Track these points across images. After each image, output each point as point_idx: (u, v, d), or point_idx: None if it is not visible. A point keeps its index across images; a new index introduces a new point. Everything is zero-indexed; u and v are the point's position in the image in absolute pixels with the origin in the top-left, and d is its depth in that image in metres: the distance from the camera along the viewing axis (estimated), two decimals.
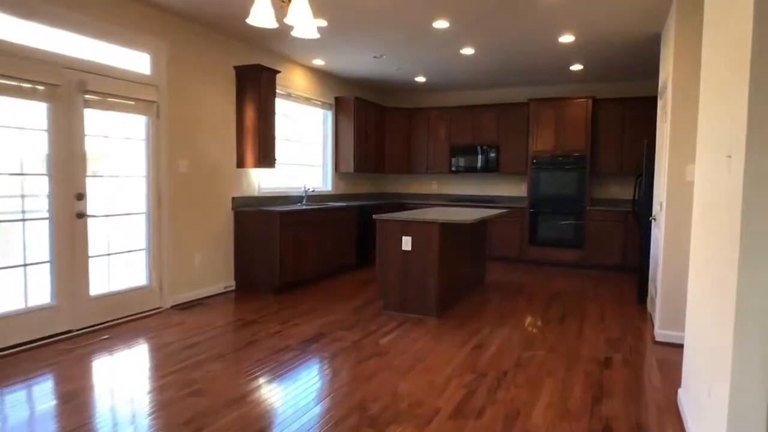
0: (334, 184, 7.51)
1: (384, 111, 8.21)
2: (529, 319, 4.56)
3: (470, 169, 7.90)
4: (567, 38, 5.17)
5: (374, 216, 4.81)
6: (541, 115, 7.23)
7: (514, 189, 8.04)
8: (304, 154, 6.92)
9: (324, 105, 7.26)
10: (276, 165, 5.76)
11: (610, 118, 7.04)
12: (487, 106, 7.78)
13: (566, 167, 7.08)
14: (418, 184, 8.77)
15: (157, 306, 4.74)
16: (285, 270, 5.43)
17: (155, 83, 4.59)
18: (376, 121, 7.97)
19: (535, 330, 4.24)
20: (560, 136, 7.12)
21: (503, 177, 8.06)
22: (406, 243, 4.68)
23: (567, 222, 7.10)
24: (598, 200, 7.46)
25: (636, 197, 5.79)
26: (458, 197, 8.39)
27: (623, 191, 7.34)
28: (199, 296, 5.18)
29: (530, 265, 7.39)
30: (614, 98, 7.03)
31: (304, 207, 5.90)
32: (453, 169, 8.04)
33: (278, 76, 6.06)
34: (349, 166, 7.40)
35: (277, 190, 6.29)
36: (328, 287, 5.77)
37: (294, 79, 6.50)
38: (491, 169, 7.73)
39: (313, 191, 6.84)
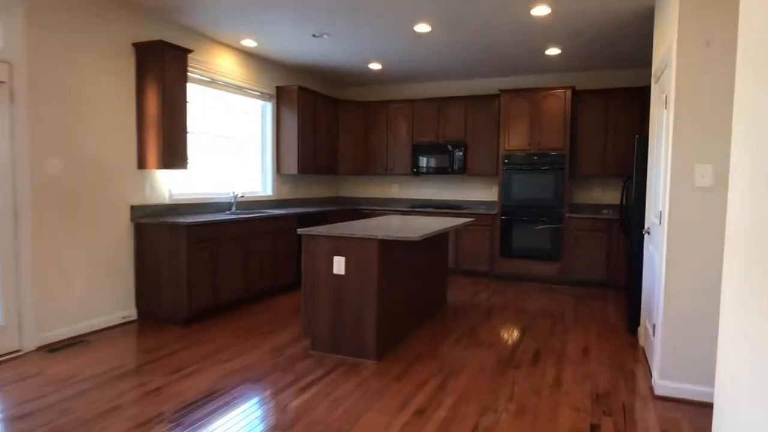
0: (276, 188, 6.46)
1: (336, 104, 7.18)
2: (493, 360, 3.58)
3: (435, 171, 6.93)
4: (541, 9, 4.22)
5: (299, 231, 3.79)
6: (514, 108, 6.30)
7: (485, 193, 7.10)
8: (237, 152, 5.86)
9: (263, 95, 6.21)
10: (188, 166, 4.69)
11: (593, 112, 6.15)
12: (453, 98, 6.82)
13: (542, 168, 6.16)
14: (377, 187, 7.77)
15: (15, 349, 3.63)
16: (196, 296, 4.37)
17: (6, 59, 3.49)
18: (327, 115, 6.95)
19: (500, 378, 3.26)
20: (535, 132, 6.19)
21: (472, 180, 7.12)
22: (339, 265, 3.66)
23: (543, 231, 6.18)
24: (579, 206, 6.56)
25: (624, 203, 4.88)
26: (422, 203, 7.41)
27: (607, 195, 6.45)
28: (84, 331, 4.09)
29: (502, 280, 6.45)
30: (597, 89, 6.13)
31: (227, 217, 4.84)
32: (415, 170, 7.06)
33: (198, 58, 5.01)
34: (292, 167, 6.36)
35: (197, 197, 5.21)
36: (253, 315, 4.72)
37: (220, 63, 5.44)
38: (458, 170, 6.77)
39: (242, 197, 5.77)
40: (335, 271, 3.68)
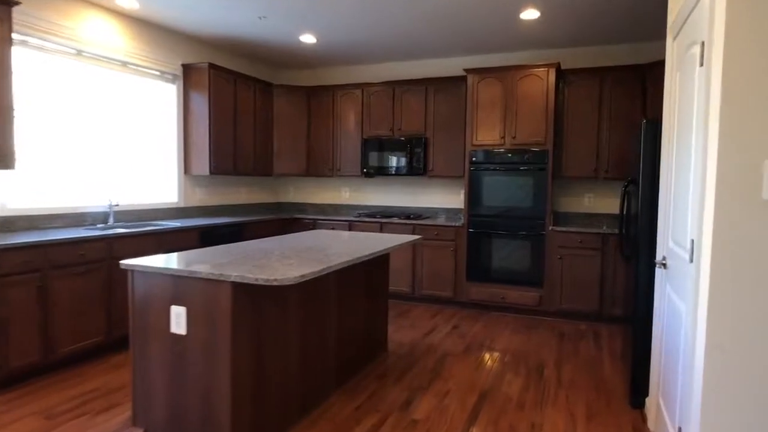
0: (183, 193, 5.10)
1: (269, 89, 5.84)
2: None
3: (390, 172, 5.60)
4: None
5: (122, 263, 2.44)
6: (484, 92, 4.98)
7: (449, 199, 5.77)
8: (125, 149, 4.50)
9: (163, 76, 4.85)
10: (15, 165, 3.33)
11: (583, 97, 4.84)
12: (411, 82, 5.49)
13: (519, 168, 4.84)
14: (324, 191, 6.43)
15: None
16: (9, 352, 3.01)
17: None
18: (257, 102, 5.61)
19: None
20: (510, 123, 4.88)
21: (434, 183, 5.79)
22: (178, 319, 2.33)
23: (520, 248, 4.86)
24: (565, 216, 5.25)
25: (624, 213, 3.56)
26: (375, 211, 6.08)
27: (601, 203, 5.14)
28: None
29: (469, 309, 5.12)
30: (588, 68, 4.82)
31: (73, 235, 3.48)
32: (366, 171, 5.72)
33: (49, 19, 3.66)
34: (203, 166, 5.01)
35: (47, 208, 3.85)
36: (84, 382, 3.35)
37: (90, 30, 4.09)
38: (418, 171, 5.45)
39: (117, 206, 4.39)
40: (174, 328, 2.34)
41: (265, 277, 2.10)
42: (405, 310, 5.07)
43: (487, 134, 4.96)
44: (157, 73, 4.78)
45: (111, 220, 4.21)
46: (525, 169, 4.81)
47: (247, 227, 5.08)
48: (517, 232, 4.86)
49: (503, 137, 4.91)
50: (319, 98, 5.98)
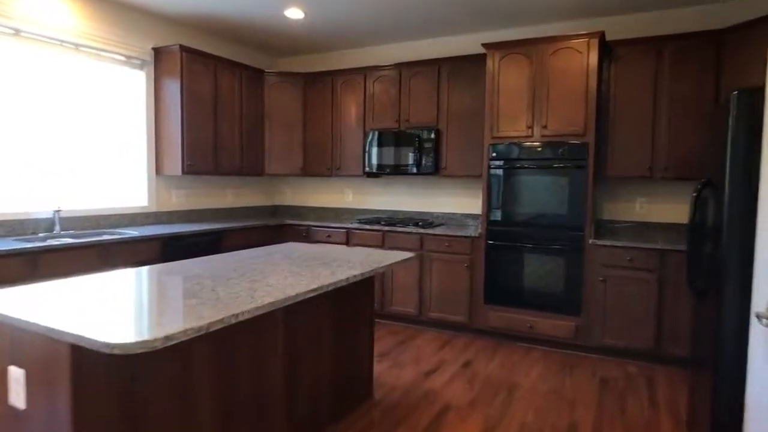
0: (155, 196, 4.41)
1: (259, 76, 5.09)
2: None
3: (395, 170, 4.75)
4: None
5: None
6: (508, 72, 4.06)
7: (467, 203, 4.86)
8: (77, 146, 3.85)
9: (129, 61, 4.18)
10: None
11: (634, 75, 3.85)
12: (421, 63, 4.63)
13: (553, 165, 3.89)
14: (325, 193, 5.64)
15: None
16: None
17: None
18: (245, 91, 4.87)
19: None
20: (541, 109, 3.94)
21: (448, 183, 4.90)
22: (16, 387, 1.57)
23: (552, 266, 3.91)
24: (610, 226, 4.25)
25: (694, 224, 2.58)
26: (381, 215, 5.24)
27: (657, 210, 4.12)
28: None
29: (486, 339, 4.20)
30: (641, 38, 3.83)
31: None
32: (369, 170, 4.89)
33: None
34: (175, 165, 4.31)
35: None
36: None
37: (27, 4, 3.44)
38: (428, 169, 4.57)
39: (60, 212, 3.69)
40: (12, 398, 1.59)
41: (103, 340, 1.30)
42: (408, 337, 4.20)
43: (512, 124, 4.03)
44: (122, 58, 4.11)
45: (57, 229, 3.55)
46: (559, 167, 3.86)
47: (227, 236, 4.34)
48: (549, 245, 3.91)
49: (531, 127, 3.97)
50: (316, 86, 5.19)
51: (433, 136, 4.53)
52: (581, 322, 3.83)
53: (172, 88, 4.25)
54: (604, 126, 3.94)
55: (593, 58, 3.75)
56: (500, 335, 4.17)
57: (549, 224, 3.90)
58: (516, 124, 4.02)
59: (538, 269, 3.96)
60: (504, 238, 4.07)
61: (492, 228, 4.11)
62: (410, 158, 4.64)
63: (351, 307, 2.80)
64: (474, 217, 4.78)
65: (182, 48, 4.20)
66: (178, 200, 4.62)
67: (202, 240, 4.09)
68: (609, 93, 3.93)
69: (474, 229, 4.35)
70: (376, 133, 4.80)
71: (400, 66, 4.72)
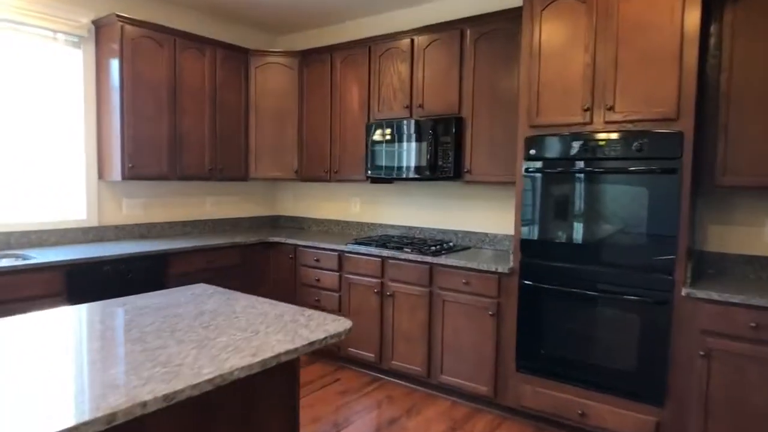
0: (98, 207, 3.53)
1: (242, 57, 4.07)
2: None
3: (405, 174, 3.53)
4: None
5: None
6: (554, 26, 2.70)
7: (499, 218, 3.54)
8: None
9: (58, 37, 3.32)
10: None
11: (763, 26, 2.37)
12: (438, 27, 3.37)
13: (626, 167, 2.50)
14: (331, 201, 4.53)
15: None
16: None
17: None
18: (220, 74, 3.89)
19: None
20: (604, 81, 2.55)
21: (475, 191, 3.60)
22: None
23: (620, 323, 2.52)
24: (719, 266, 2.75)
25: None
26: (394, 233, 4.04)
27: None
28: None
29: (517, 422, 2.88)
30: None
31: None
32: (371, 173, 3.71)
33: None
34: (115, 167, 3.40)
35: None
36: None
37: None
38: (445, 173, 3.32)
39: None
40: None
41: None
42: (407, 410, 2.98)
43: (559, 106, 2.68)
44: (49, 33, 3.26)
45: None
46: (635, 170, 2.47)
47: (174, 261, 3.35)
48: (615, 294, 2.52)
49: (589, 110, 2.60)
50: (314, 66, 4.09)
51: (453, 128, 3.27)
52: (666, 418, 2.42)
53: (113, 71, 3.34)
54: (712, 108, 2.48)
55: (694, 5, 2.32)
56: (537, 418, 2.83)
57: (616, 260, 2.52)
58: (566, 106, 2.66)
59: (598, 329, 2.58)
60: (545, 278, 2.73)
61: (528, 261, 2.79)
62: (423, 158, 3.40)
63: (251, 409, 1.66)
64: (505, 240, 3.45)
65: (120, 18, 3.27)
66: (130, 212, 3.72)
67: (134, 267, 3.14)
68: (720, 56, 2.46)
69: (505, 261, 3.03)
70: (383, 125, 3.61)
71: (412, 33, 3.50)
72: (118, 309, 1.82)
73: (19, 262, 2.67)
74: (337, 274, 3.63)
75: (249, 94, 4.13)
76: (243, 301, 1.97)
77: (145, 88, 3.42)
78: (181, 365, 1.29)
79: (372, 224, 4.19)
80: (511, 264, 2.87)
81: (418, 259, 3.19)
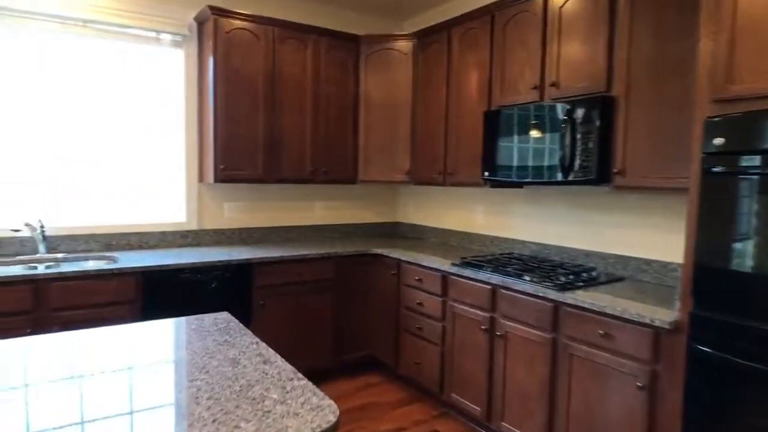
0: (198, 209, 3.41)
1: (351, 45, 3.62)
2: None
3: (532, 176, 2.68)
4: None
5: None
6: None
7: (666, 238, 2.43)
8: (89, 145, 3.11)
9: (161, 38, 3.27)
10: None
11: None
12: None
13: None
14: (450, 208, 3.81)
15: None
16: None
17: None
18: (324, 66, 3.51)
19: None
20: None
21: (628, 199, 2.55)
22: None
23: None
24: None
25: None
26: (524, 252, 3.17)
27: None
28: None
29: None
30: None
31: None
32: (486, 174, 2.93)
33: None
34: (209, 170, 3.23)
35: None
36: None
37: None
38: (585, 173, 2.39)
39: (41, 229, 2.87)
40: None
41: None
42: None
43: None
44: (152, 34, 3.22)
45: (41, 250, 2.83)
46: None
47: (260, 272, 3.03)
48: None
49: None
50: (429, 51, 3.46)
51: (598, 111, 2.33)
52: None
53: (210, 69, 3.17)
54: None
55: None
56: None
57: None
58: None
59: None
60: (737, 347, 1.67)
61: (706, 312, 1.75)
62: (556, 155, 2.52)
63: None
64: (671, 269, 2.35)
65: (214, 10, 3.07)
66: (231, 216, 3.55)
67: (216, 276, 2.89)
68: None
69: (668, 305, 2.01)
70: (505, 112, 2.82)
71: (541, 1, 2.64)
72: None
73: (91, 266, 2.59)
74: (440, 299, 2.94)
75: (359, 86, 3.67)
76: (231, 351, 1.44)
77: (240, 85, 3.18)
78: None
79: (498, 238, 3.39)
80: (676, 314, 1.86)
81: (538, 293, 2.33)
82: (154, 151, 3.29)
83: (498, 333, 2.56)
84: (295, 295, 3.16)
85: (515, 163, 2.75)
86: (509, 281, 2.49)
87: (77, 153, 3.05)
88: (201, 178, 3.38)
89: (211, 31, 3.10)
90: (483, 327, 2.64)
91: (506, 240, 3.32)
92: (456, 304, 2.83)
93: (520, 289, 2.43)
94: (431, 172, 3.44)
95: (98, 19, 3.00)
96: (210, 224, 3.47)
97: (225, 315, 1.79)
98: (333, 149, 3.59)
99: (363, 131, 3.69)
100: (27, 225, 2.73)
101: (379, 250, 3.44)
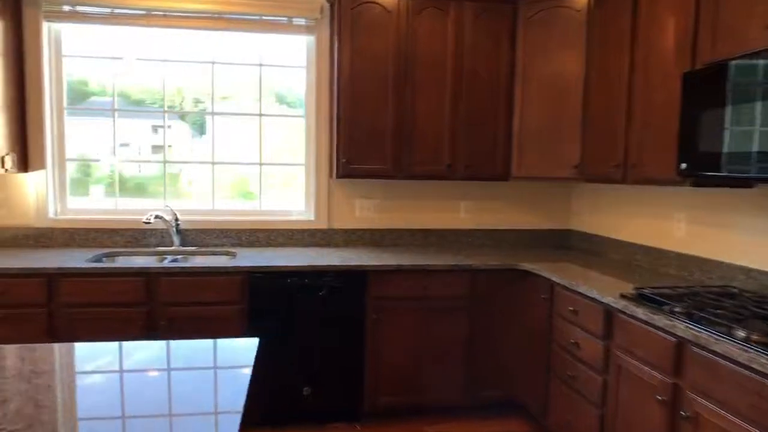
0: (328, 206, 3.15)
1: (503, 9, 2.90)
2: None
3: (754, 170, 1.66)
4: None
5: None
6: None
7: None
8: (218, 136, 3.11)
9: (289, 24, 3.07)
10: (47, 163, 2.55)
11: None
12: None
13: None
14: (635, 216, 2.79)
15: None
16: None
17: None
18: (470, 38, 2.89)
19: None
20: None
21: None
22: None
23: None
24: None
25: None
26: (732, 284, 2.06)
27: None
28: None
29: None
30: None
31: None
32: (684, 165, 1.94)
33: None
34: (333, 164, 2.93)
35: (109, 218, 2.96)
36: None
37: None
38: None
39: (176, 222, 2.87)
40: None
41: None
42: None
43: None
44: (284, 19, 3.04)
45: (176, 243, 2.91)
46: None
47: (376, 281, 2.60)
48: None
49: None
50: (606, 4, 2.55)
51: None
52: None
53: (334, 52, 2.86)
54: None
55: None
56: None
57: None
58: None
59: None
60: None
61: None
62: None
63: None
64: None
65: None
66: (364, 214, 3.20)
67: (325, 283, 2.56)
68: None
69: None
70: (718, 71, 1.83)
71: None
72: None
73: (198, 263, 2.51)
74: (601, 342, 2.09)
75: (515, 59, 2.95)
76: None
77: (366, 67, 2.80)
78: None
79: (707, 262, 2.32)
80: None
81: (753, 364, 1.37)
82: (287, 144, 3.15)
83: (684, 413, 1.64)
84: (418, 312, 2.66)
85: (733, 149, 1.75)
86: (707, 335, 1.55)
87: (214, 147, 3.08)
88: (331, 173, 3.12)
89: (337, 8, 2.79)
90: (660, 397, 1.73)
91: (720, 265, 2.24)
92: (622, 354, 1.96)
93: (724, 352, 1.48)
94: (606, 165, 2.54)
95: (230, 11, 2.95)
96: (340, 223, 3.19)
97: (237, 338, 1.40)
98: (477, 139, 2.95)
99: (518, 115, 2.96)
100: (158, 217, 2.81)
101: (528, 266, 2.69)
